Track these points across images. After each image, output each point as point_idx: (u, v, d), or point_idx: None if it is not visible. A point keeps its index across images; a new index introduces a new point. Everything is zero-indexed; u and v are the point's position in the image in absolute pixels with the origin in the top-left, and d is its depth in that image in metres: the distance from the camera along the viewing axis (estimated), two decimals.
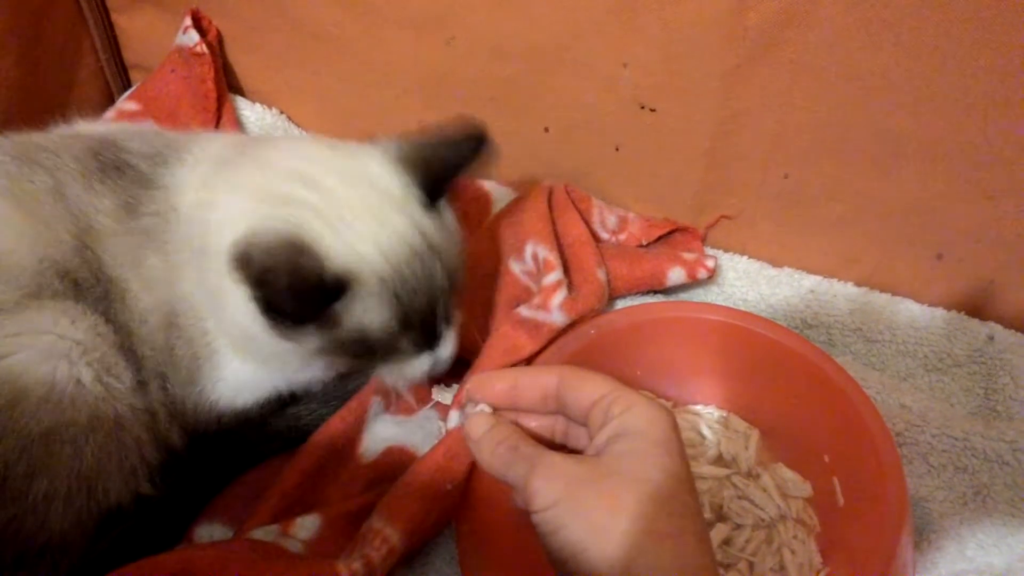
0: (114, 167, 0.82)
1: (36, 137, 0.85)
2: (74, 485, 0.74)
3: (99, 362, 0.76)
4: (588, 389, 0.65)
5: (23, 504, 0.72)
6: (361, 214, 0.76)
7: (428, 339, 0.81)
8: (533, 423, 0.70)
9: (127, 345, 0.80)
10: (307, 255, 0.72)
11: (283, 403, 0.92)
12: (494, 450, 0.65)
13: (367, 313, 0.76)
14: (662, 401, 0.63)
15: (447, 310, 0.82)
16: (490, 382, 0.70)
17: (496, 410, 0.70)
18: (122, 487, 0.78)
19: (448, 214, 0.83)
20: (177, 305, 0.81)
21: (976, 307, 1.01)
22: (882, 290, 1.05)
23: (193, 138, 0.87)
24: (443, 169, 0.80)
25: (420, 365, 0.82)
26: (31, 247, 0.76)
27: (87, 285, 0.78)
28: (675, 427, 0.62)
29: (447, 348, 0.83)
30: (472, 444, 0.67)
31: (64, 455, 0.73)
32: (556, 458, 0.61)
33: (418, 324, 0.79)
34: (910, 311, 1.03)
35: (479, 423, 0.67)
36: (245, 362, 0.84)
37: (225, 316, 0.79)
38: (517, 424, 0.69)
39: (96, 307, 0.78)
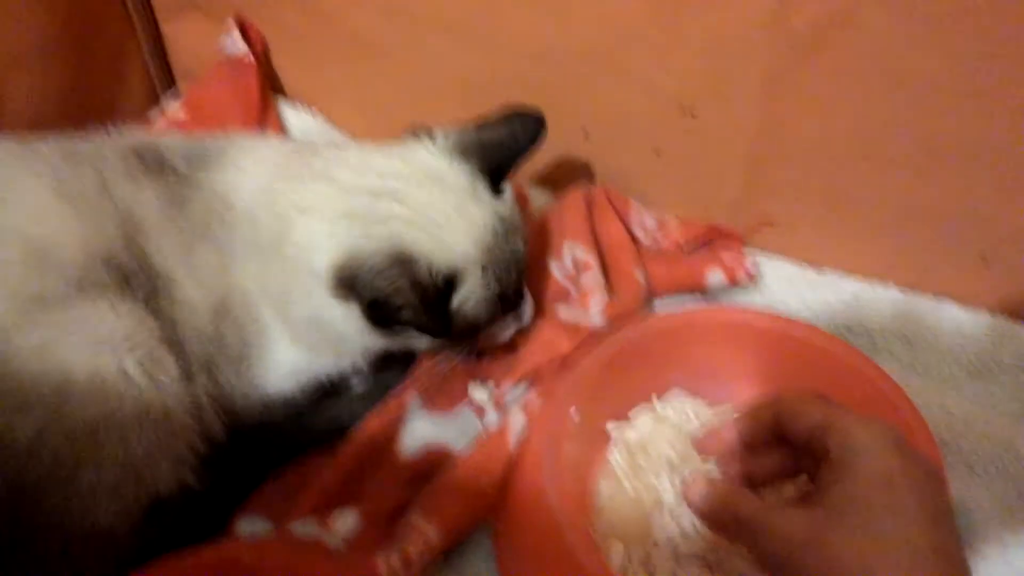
0: (157, 165, 0.84)
1: (81, 139, 0.87)
2: (120, 476, 0.75)
3: (144, 351, 0.77)
4: (802, 420, 0.66)
5: (70, 494, 0.73)
6: (443, 211, 0.80)
7: (516, 307, 0.87)
8: (764, 462, 0.71)
9: (173, 337, 0.81)
10: (418, 264, 0.77)
11: (325, 392, 0.93)
12: (717, 518, 0.67)
13: (477, 301, 0.82)
14: (879, 422, 0.63)
15: (525, 276, 0.87)
16: (716, 436, 0.74)
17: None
18: (169, 478, 0.79)
19: (508, 189, 0.87)
20: (228, 294, 0.83)
21: (1022, 311, 1.00)
22: (926, 294, 1.04)
23: (228, 141, 0.90)
24: (502, 154, 0.85)
25: (507, 328, 0.88)
26: (79, 241, 0.78)
27: (134, 279, 0.80)
28: (897, 448, 0.60)
29: (528, 312, 0.89)
30: (693, 510, 0.69)
31: (110, 446, 0.74)
32: (776, 521, 0.61)
33: (512, 296, 0.85)
34: (954, 316, 1.01)
35: (697, 490, 0.68)
36: (296, 348, 0.87)
37: (290, 312, 0.84)
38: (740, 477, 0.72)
39: (142, 301, 0.80)
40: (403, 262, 0.76)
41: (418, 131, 0.87)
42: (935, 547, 0.56)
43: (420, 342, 0.85)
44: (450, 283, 0.80)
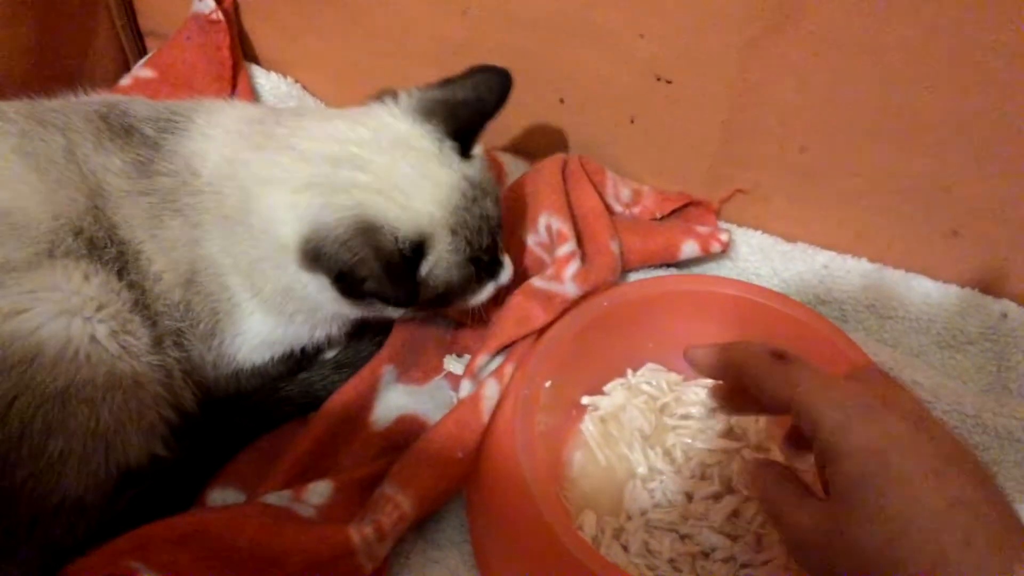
0: (122, 129, 0.83)
1: (47, 102, 0.85)
2: (90, 444, 0.74)
3: (114, 319, 0.77)
4: (767, 395, 0.64)
5: (39, 463, 0.73)
6: (407, 175, 0.79)
7: (492, 270, 0.86)
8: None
9: (141, 303, 0.81)
10: (382, 233, 0.75)
11: (297, 362, 0.93)
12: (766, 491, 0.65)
13: (447, 267, 0.81)
14: (840, 389, 0.61)
15: (500, 239, 0.86)
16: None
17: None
18: (139, 447, 0.78)
19: (479, 150, 0.85)
20: (196, 264, 0.82)
21: (990, 284, 1.01)
22: (896, 266, 1.05)
23: (196, 106, 0.88)
24: (468, 114, 0.83)
25: (486, 292, 0.87)
26: (45, 205, 0.77)
27: (101, 245, 0.79)
28: (869, 414, 0.58)
29: (506, 273, 0.89)
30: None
31: (81, 413, 0.73)
32: (796, 516, 0.60)
33: (486, 260, 0.84)
34: (924, 288, 1.02)
35: (749, 474, 0.76)
36: (268, 318, 0.86)
37: (262, 283, 0.83)
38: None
39: (110, 266, 0.79)
40: (366, 231, 0.75)
41: (383, 94, 0.85)
42: (952, 501, 0.53)
43: (392, 312, 0.85)
44: (418, 249, 0.78)
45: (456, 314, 0.94)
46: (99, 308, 0.76)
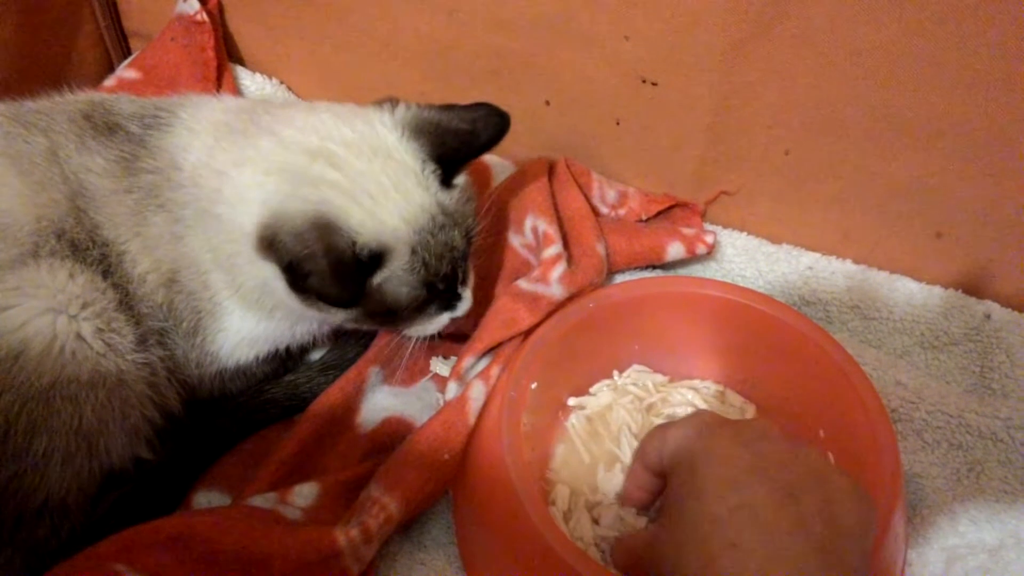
0: (106, 127, 0.82)
1: (30, 103, 0.85)
2: (73, 443, 0.74)
3: (99, 317, 0.77)
4: (651, 459, 0.69)
5: (24, 462, 0.72)
6: (383, 187, 0.77)
7: (449, 300, 0.84)
8: None
9: (125, 302, 0.80)
10: (340, 234, 0.74)
11: (283, 363, 0.93)
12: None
13: (399, 284, 0.79)
14: (689, 418, 0.66)
15: (464, 272, 0.85)
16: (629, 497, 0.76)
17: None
18: (123, 448, 0.78)
19: (461, 179, 0.84)
20: (179, 262, 0.82)
21: (974, 286, 1.02)
22: (880, 268, 1.05)
23: (182, 101, 0.87)
24: (458, 143, 0.82)
25: (439, 323, 0.85)
26: (28, 207, 0.76)
27: (83, 247, 0.79)
28: (700, 436, 0.62)
29: (464, 306, 0.86)
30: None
31: (65, 412, 0.73)
32: (626, 543, 0.69)
33: (442, 288, 0.82)
34: (908, 289, 1.03)
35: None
36: (249, 315, 0.85)
37: (241, 278, 0.82)
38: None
39: (94, 267, 0.79)
40: (322, 227, 0.73)
41: (383, 101, 0.84)
42: (734, 508, 0.56)
43: (335, 316, 0.82)
44: (375, 259, 0.77)
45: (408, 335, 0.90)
46: (84, 306, 0.76)
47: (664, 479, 0.68)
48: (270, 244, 0.74)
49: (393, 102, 0.84)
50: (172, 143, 0.82)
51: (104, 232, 0.80)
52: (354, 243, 0.74)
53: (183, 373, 0.87)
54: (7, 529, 0.73)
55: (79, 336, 0.75)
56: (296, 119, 0.81)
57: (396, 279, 0.78)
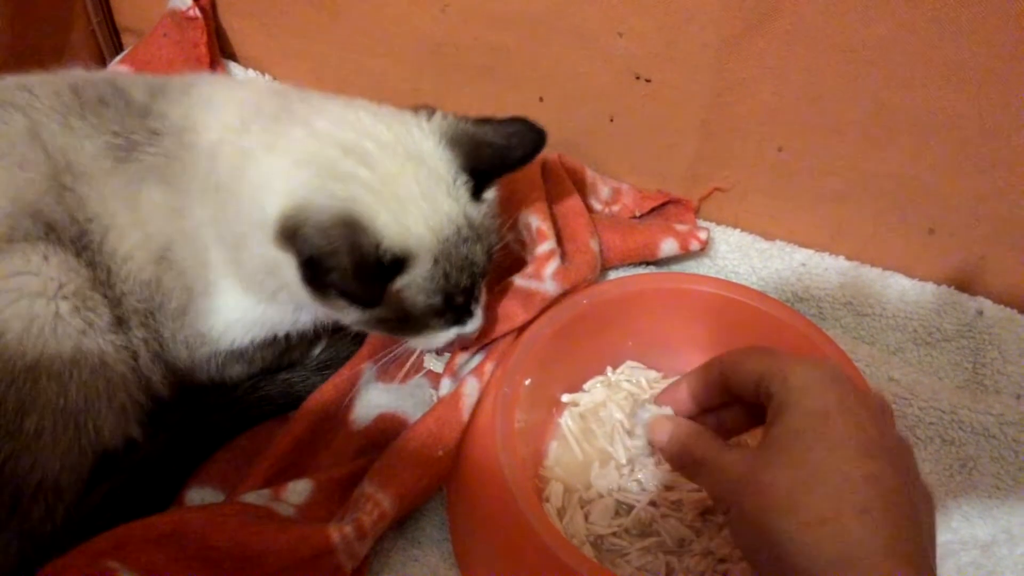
0: (98, 101, 0.81)
1: (14, 78, 0.84)
2: (60, 421, 0.74)
3: (75, 295, 0.76)
4: (745, 372, 0.66)
5: (17, 442, 0.73)
6: (412, 193, 0.76)
7: (460, 316, 0.82)
8: (720, 419, 0.73)
9: (103, 281, 0.80)
10: (365, 234, 0.73)
11: (282, 353, 0.93)
12: (676, 456, 0.70)
13: (417, 291, 0.78)
14: (820, 361, 0.64)
15: (479, 289, 0.83)
16: (670, 394, 0.75)
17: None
18: (113, 427, 0.78)
19: (491, 194, 0.83)
20: (176, 240, 0.81)
21: (966, 282, 1.02)
22: (873, 264, 1.06)
23: (201, 77, 0.86)
24: (492, 157, 0.81)
25: (446, 337, 0.83)
26: (3, 191, 0.76)
27: (61, 226, 0.78)
28: (835, 384, 0.61)
29: (474, 324, 0.84)
30: (657, 447, 0.72)
31: (51, 390, 0.74)
32: (719, 459, 0.64)
33: (457, 303, 0.80)
34: (901, 285, 1.03)
35: (660, 428, 0.72)
36: (247, 297, 0.84)
37: (244, 258, 0.80)
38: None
39: (67, 247, 0.78)
40: (349, 225, 0.72)
41: (421, 108, 0.83)
42: (867, 476, 0.56)
43: (345, 315, 0.81)
44: (397, 264, 0.75)
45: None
46: (60, 287, 0.76)
47: (737, 402, 0.69)
48: (292, 235, 0.73)
49: (430, 110, 0.83)
50: (185, 115, 0.81)
51: (91, 207, 0.79)
52: (378, 245, 0.73)
53: (170, 355, 0.86)
54: (4, 511, 0.74)
55: (58, 314, 0.75)
56: (332, 111, 0.80)
57: (415, 287, 0.77)
